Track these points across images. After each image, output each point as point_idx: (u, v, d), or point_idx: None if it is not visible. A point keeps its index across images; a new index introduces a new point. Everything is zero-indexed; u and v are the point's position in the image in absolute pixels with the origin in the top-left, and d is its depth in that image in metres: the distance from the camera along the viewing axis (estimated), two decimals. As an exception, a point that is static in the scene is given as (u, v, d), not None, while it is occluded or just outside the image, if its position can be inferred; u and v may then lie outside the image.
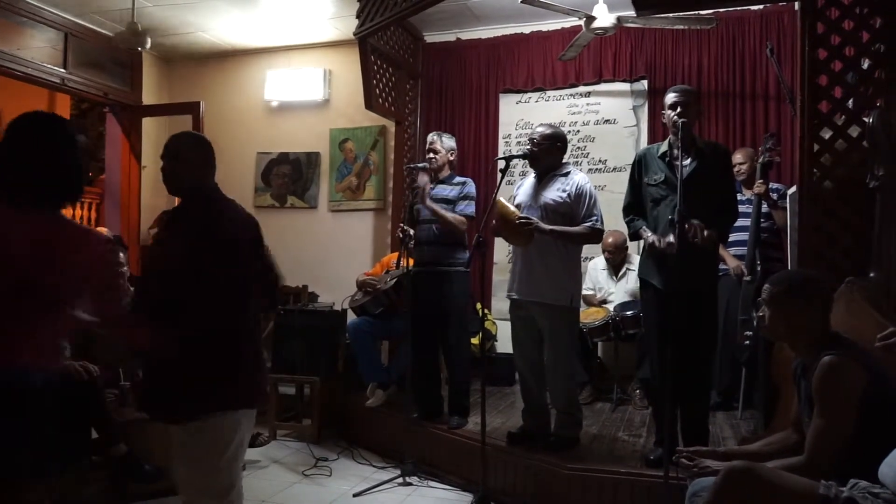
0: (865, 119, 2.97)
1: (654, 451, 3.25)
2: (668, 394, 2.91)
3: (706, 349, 3.26)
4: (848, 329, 2.29)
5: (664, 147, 3.27)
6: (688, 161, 3.13)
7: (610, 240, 4.72)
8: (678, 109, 3.13)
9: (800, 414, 2.25)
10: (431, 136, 4.16)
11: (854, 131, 3.06)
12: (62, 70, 5.23)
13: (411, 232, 4.02)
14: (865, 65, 3.13)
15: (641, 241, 3.40)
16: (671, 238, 2.97)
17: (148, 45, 5.15)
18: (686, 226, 2.92)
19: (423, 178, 3.99)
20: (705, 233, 2.98)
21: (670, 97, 3.20)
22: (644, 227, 3.26)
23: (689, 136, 3.12)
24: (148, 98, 6.11)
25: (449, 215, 3.95)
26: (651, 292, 3.28)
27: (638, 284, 4.67)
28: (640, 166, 3.34)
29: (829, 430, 2.02)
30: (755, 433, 3.53)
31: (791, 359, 2.37)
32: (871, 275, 2.84)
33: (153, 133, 6.20)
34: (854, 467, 1.94)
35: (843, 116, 3.09)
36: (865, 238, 2.94)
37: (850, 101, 3.13)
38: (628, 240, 4.17)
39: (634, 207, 3.38)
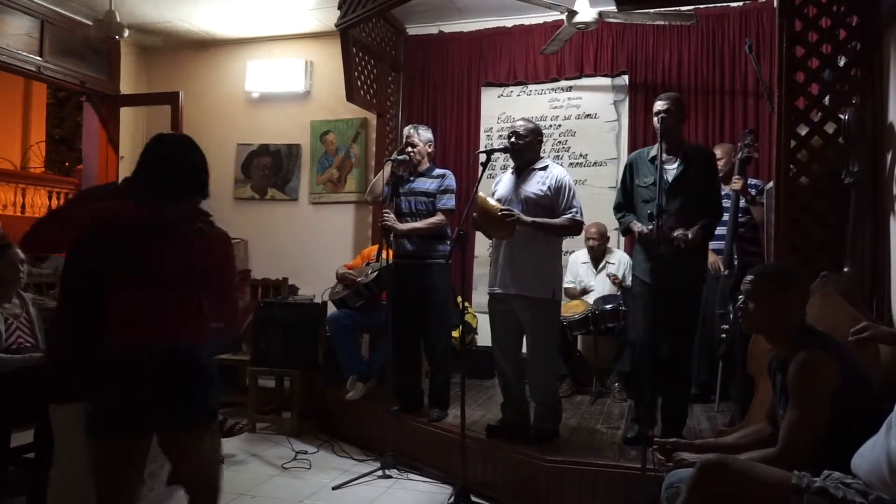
0: (841, 116, 3.02)
1: (632, 427, 3.39)
2: (648, 381, 3.08)
3: (686, 342, 3.38)
4: (822, 322, 2.33)
5: (654, 151, 3.39)
6: (675, 164, 3.33)
7: (593, 229, 4.80)
8: (661, 116, 3.28)
9: (775, 406, 2.28)
10: (408, 130, 4.15)
11: (830, 128, 3.10)
12: (38, 58, 5.14)
13: (393, 222, 4.01)
14: (842, 62, 3.17)
15: (625, 240, 3.52)
16: (650, 226, 3.15)
17: (126, 34, 5.08)
18: (672, 237, 3.14)
19: (390, 217, 3.98)
20: (689, 236, 3.18)
21: (657, 105, 3.35)
22: (634, 221, 3.42)
23: (675, 139, 3.32)
24: (126, 88, 6.02)
25: (424, 225, 3.98)
26: (640, 286, 3.42)
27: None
28: (631, 169, 3.51)
29: (802, 422, 2.05)
30: (731, 425, 3.58)
31: (766, 352, 2.40)
32: (846, 269, 2.89)
33: (131, 123, 6.13)
34: (827, 458, 1.97)
35: (820, 113, 3.13)
36: (840, 233, 2.99)
37: (827, 98, 3.17)
38: (621, 235, 4.26)
39: (625, 207, 3.53)
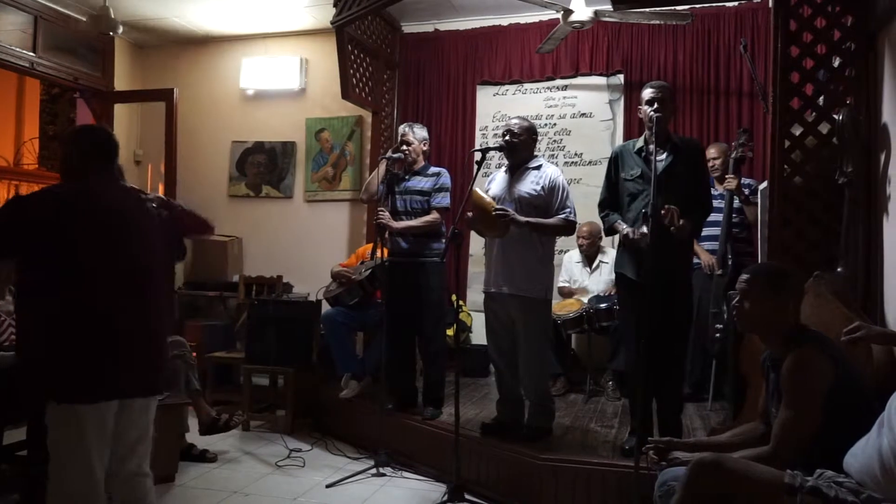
0: (835, 116, 3.02)
1: (630, 440, 3.29)
2: (642, 384, 2.98)
3: (680, 340, 3.28)
4: (815, 322, 2.34)
5: (640, 143, 3.29)
6: (663, 156, 3.15)
7: (585, 228, 4.77)
8: (654, 105, 3.14)
9: (767, 405, 2.29)
10: (403, 128, 4.15)
11: (824, 128, 3.11)
12: (31, 54, 5.11)
13: (388, 220, 4.00)
14: (836, 62, 3.18)
15: (616, 237, 3.42)
16: (644, 229, 2.99)
17: (120, 31, 5.06)
18: (662, 211, 2.94)
19: (385, 216, 3.99)
20: (680, 221, 2.99)
21: (647, 93, 3.22)
22: (619, 221, 3.27)
23: (664, 130, 3.17)
24: (120, 84, 6.00)
25: (419, 223, 3.98)
26: (626, 284, 3.30)
27: (612, 276, 4.75)
28: (616, 162, 3.36)
29: (795, 421, 2.06)
30: (724, 424, 3.59)
31: (759, 351, 2.41)
32: (839, 269, 2.90)
33: (125, 120, 6.11)
34: (819, 457, 1.97)
35: (814, 113, 3.14)
36: (833, 233, 3.00)
37: (821, 99, 3.18)
38: (603, 235, 4.21)
39: (609, 203, 3.38)
